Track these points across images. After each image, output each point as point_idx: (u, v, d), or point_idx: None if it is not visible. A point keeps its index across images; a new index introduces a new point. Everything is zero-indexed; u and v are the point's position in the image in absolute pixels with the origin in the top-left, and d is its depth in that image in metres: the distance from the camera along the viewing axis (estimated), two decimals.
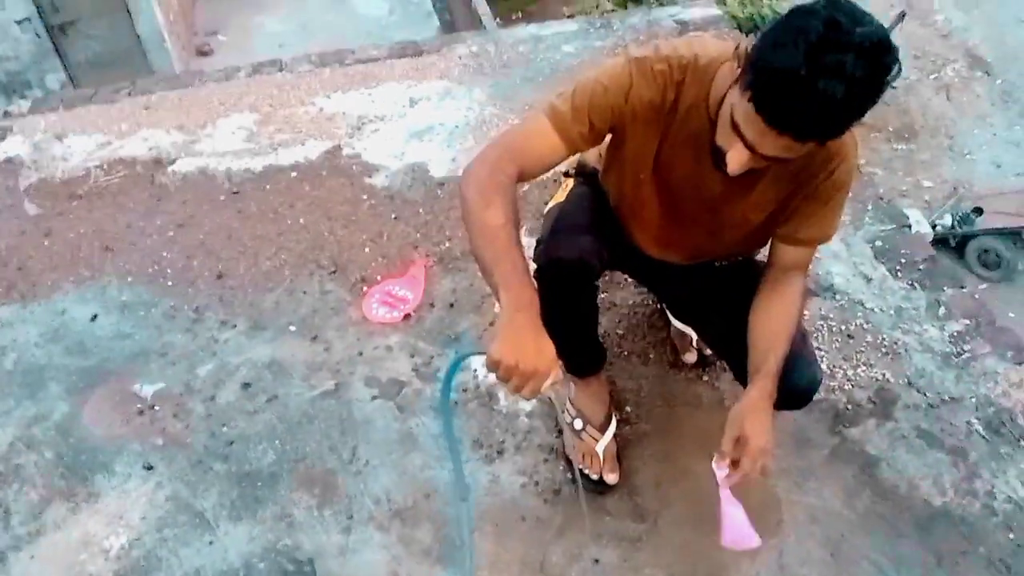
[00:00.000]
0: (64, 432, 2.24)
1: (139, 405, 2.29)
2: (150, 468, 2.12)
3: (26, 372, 2.43)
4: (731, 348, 1.78)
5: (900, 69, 1.29)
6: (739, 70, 1.35)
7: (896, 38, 1.32)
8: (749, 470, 1.53)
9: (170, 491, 2.07)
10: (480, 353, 1.45)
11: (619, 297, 2.40)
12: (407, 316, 2.48)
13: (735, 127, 1.37)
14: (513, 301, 1.39)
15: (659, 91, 1.53)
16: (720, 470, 1.57)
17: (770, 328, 1.63)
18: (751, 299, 1.68)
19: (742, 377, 1.69)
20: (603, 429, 1.99)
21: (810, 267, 1.69)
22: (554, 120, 1.56)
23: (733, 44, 1.43)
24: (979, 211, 3.34)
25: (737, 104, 1.35)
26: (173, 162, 3.27)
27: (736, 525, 1.60)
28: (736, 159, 1.40)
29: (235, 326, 2.51)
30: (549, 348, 1.39)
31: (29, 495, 2.09)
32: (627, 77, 1.53)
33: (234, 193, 3.07)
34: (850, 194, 1.65)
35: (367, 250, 2.75)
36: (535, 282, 1.47)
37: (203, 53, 7.15)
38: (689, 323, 2.12)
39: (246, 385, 2.32)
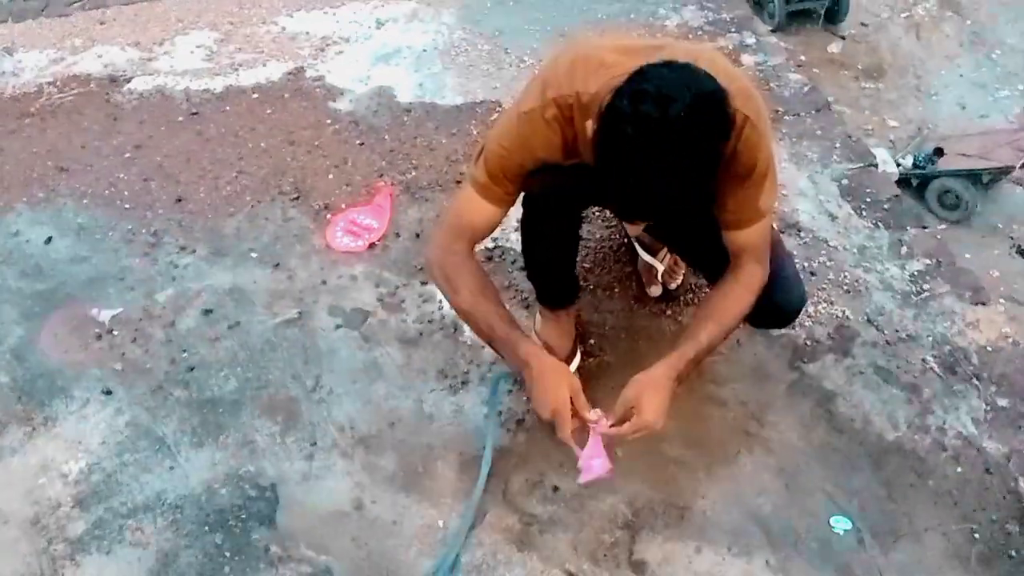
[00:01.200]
0: (20, 357, 2.20)
1: (97, 330, 2.25)
2: (109, 393, 2.09)
3: None
4: (704, 259, 1.85)
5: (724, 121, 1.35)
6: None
7: None
8: (626, 432, 1.58)
9: (130, 416, 2.05)
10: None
11: (586, 231, 2.38)
12: (372, 245, 2.45)
13: None
14: (519, 363, 1.61)
15: (557, 134, 1.55)
16: (594, 420, 1.61)
17: (707, 307, 1.67)
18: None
19: (713, 279, 1.78)
20: (568, 361, 2.00)
21: (762, 250, 1.66)
22: (480, 190, 1.63)
23: (621, 64, 1.42)
24: (940, 152, 3.35)
25: None
26: (129, 80, 3.16)
27: (591, 457, 1.63)
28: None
29: (195, 251, 2.46)
30: (555, 388, 1.58)
31: None
32: (524, 135, 1.56)
33: (193, 114, 2.98)
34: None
35: (331, 177, 2.69)
36: (518, 330, 1.65)
37: None
38: (662, 240, 2.13)
39: (207, 312, 2.28)
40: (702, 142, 1.31)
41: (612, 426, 1.60)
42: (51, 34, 3.44)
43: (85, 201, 2.65)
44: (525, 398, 1.97)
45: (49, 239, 2.52)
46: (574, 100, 1.50)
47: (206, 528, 1.82)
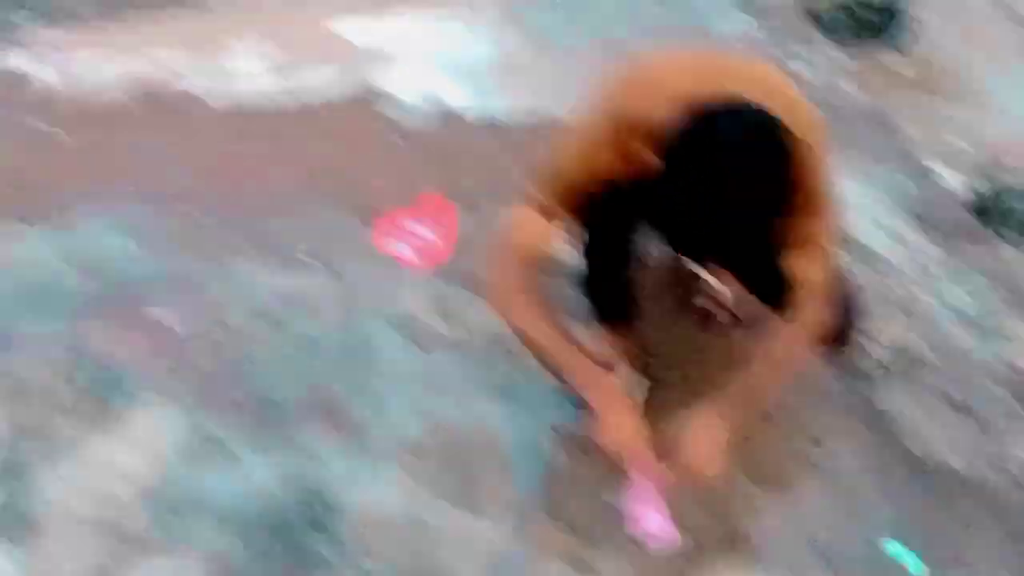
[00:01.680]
0: (80, 356, 2.23)
1: (154, 331, 2.27)
2: (168, 395, 2.11)
3: (40, 295, 2.41)
4: (766, 288, 1.81)
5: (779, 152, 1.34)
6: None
7: None
8: (673, 482, 1.59)
9: (190, 419, 2.06)
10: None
11: (643, 249, 2.36)
12: (426, 254, 2.45)
13: None
14: (594, 403, 1.62)
15: (619, 157, 1.53)
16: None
17: (764, 348, 1.64)
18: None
19: (775, 306, 1.74)
20: (625, 381, 1.99)
21: (823, 285, 1.62)
22: (539, 209, 1.63)
23: (682, 86, 1.43)
24: (1007, 171, 3.28)
25: None
26: (189, 84, 3.20)
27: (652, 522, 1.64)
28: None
29: (251, 254, 2.49)
30: (624, 429, 1.58)
31: (53, 419, 2.09)
32: (586, 157, 1.56)
33: (251, 118, 3.01)
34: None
35: (385, 184, 2.70)
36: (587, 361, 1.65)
37: None
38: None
39: (262, 314, 2.30)
40: (766, 187, 1.32)
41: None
42: (114, 38, 3.49)
43: (144, 202, 2.69)
44: (585, 425, 1.96)
45: (110, 238, 2.56)
46: (635, 123, 1.49)
47: (263, 532, 1.84)
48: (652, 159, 1.42)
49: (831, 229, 1.61)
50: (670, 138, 1.38)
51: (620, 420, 1.58)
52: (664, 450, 1.57)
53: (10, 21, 3.55)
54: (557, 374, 1.68)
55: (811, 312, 1.61)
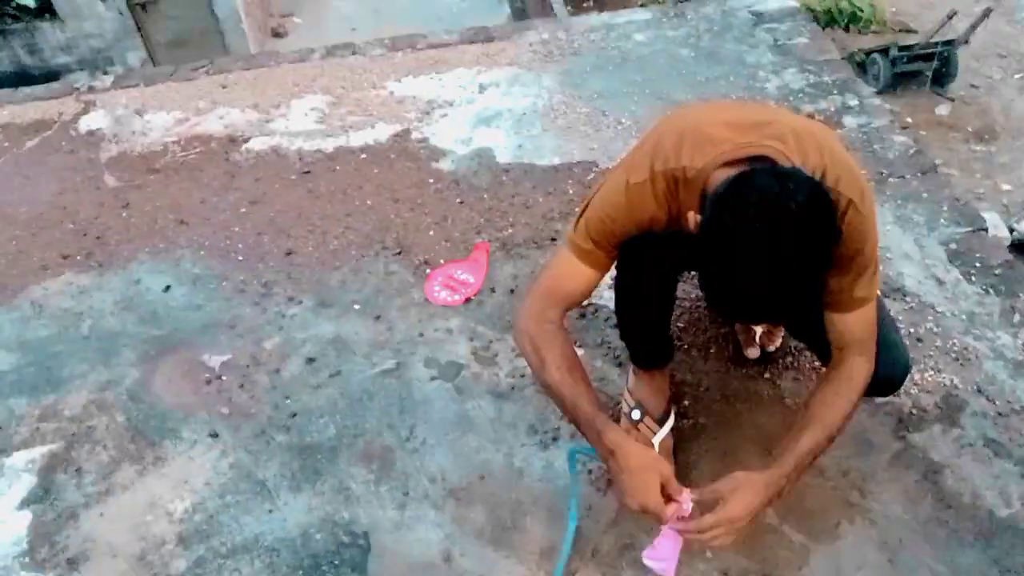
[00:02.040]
0: (135, 397, 2.32)
1: (207, 375, 2.36)
2: (215, 436, 2.18)
3: (101, 338, 2.52)
4: (809, 337, 1.81)
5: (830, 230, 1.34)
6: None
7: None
8: (706, 526, 1.48)
9: (234, 459, 2.13)
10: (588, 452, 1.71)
11: (681, 290, 2.37)
12: (467, 300, 2.50)
13: None
14: (603, 451, 1.53)
15: (663, 207, 1.56)
16: (684, 504, 1.51)
17: (811, 409, 1.59)
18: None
19: (823, 359, 1.73)
20: (662, 423, 1.98)
21: (867, 340, 1.60)
22: (579, 254, 1.64)
23: (729, 140, 1.46)
24: None
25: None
26: (247, 140, 3.34)
27: (663, 549, 1.56)
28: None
29: (301, 302, 2.57)
30: (649, 482, 1.49)
31: (100, 456, 2.17)
32: (631, 205, 1.57)
33: (305, 172, 3.13)
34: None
35: (431, 233, 2.78)
36: (603, 415, 1.57)
37: (278, 34, 7.26)
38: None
39: (310, 360, 2.37)
40: (809, 250, 1.31)
41: (691, 516, 1.51)
42: (177, 96, 3.69)
43: (202, 252, 2.80)
44: (607, 481, 1.95)
45: (167, 287, 2.68)
46: (680, 175, 1.51)
47: (300, 572, 1.87)
48: (695, 214, 1.45)
49: (876, 283, 1.59)
50: (711, 196, 1.41)
51: (642, 482, 1.49)
52: (704, 503, 1.52)
53: (92, 87, 3.78)
54: (575, 423, 1.61)
55: (859, 370, 1.59)
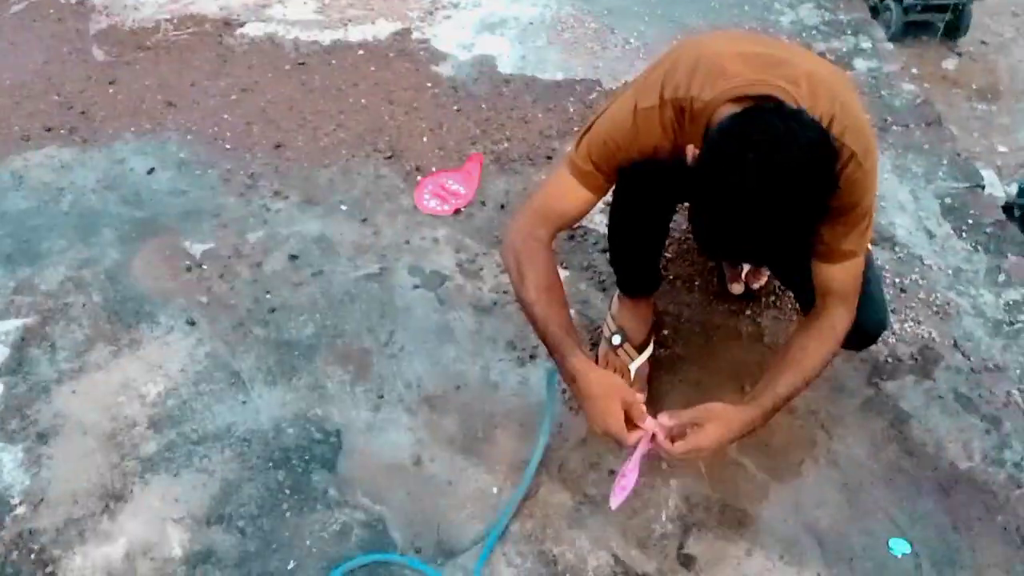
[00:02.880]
0: (113, 278, 2.30)
1: (188, 262, 2.33)
2: (192, 324, 2.17)
3: (81, 215, 2.48)
4: (795, 282, 1.80)
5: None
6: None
7: None
8: (677, 451, 1.50)
9: (210, 348, 2.12)
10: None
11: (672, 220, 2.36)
12: (457, 211, 2.47)
13: None
14: (566, 376, 1.55)
15: (669, 135, 1.52)
16: (651, 429, 1.52)
17: (789, 354, 1.59)
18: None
19: (805, 307, 1.75)
20: (641, 350, 1.99)
21: (851, 293, 1.59)
22: (578, 175, 1.62)
23: (741, 75, 1.42)
24: None
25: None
26: (242, 25, 3.24)
27: (624, 475, 1.58)
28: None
29: (287, 197, 2.53)
30: (610, 408, 1.49)
31: (75, 334, 2.16)
32: (638, 131, 1.53)
33: (299, 64, 3.05)
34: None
35: (425, 139, 2.72)
36: (576, 335, 1.59)
37: None
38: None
39: (293, 257, 2.35)
40: (804, 196, 1.29)
41: (665, 438, 1.52)
42: None
43: (189, 137, 2.74)
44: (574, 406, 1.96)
45: (151, 170, 2.62)
46: (687, 105, 1.47)
47: (270, 464, 1.88)
48: (696, 145, 1.41)
49: (868, 238, 1.58)
50: (711, 131, 1.37)
51: (604, 408, 1.49)
52: (676, 429, 1.53)
53: None
54: (543, 343, 1.61)
55: (840, 320, 1.59)
